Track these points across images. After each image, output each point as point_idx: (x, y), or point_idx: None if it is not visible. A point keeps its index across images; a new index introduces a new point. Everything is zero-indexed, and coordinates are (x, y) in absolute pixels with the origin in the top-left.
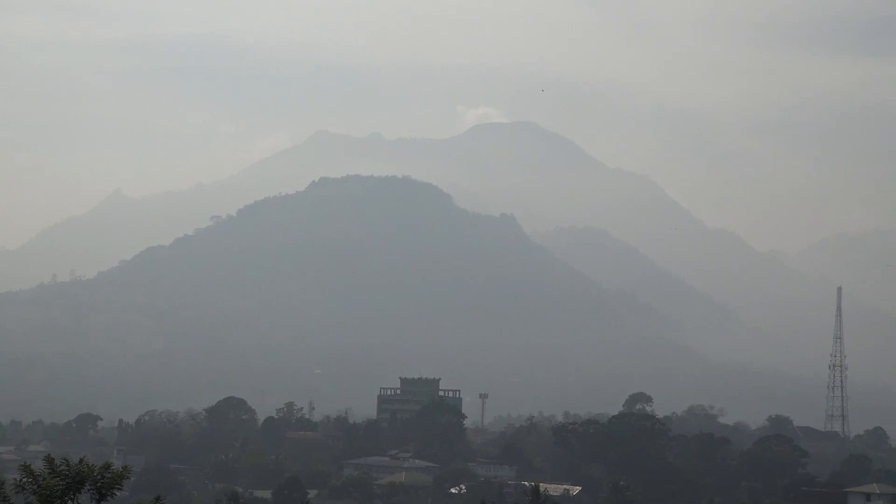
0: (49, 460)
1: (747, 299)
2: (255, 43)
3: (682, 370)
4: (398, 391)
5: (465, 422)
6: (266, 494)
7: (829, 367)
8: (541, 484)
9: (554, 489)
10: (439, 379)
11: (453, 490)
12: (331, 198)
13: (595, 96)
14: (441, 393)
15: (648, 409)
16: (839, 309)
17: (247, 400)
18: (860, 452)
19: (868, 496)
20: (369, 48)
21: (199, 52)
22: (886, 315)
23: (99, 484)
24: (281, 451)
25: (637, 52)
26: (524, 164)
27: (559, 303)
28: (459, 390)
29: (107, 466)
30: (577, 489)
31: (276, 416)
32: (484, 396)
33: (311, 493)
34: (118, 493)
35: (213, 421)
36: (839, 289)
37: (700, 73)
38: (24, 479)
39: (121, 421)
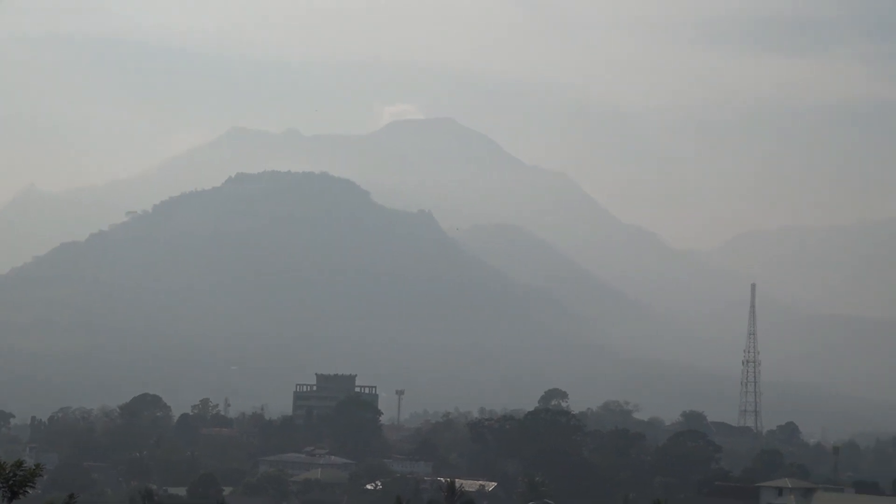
0: None
1: (662, 296)
2: (171, 38)
3: (597, 366)
4: (314, 387)
5: (381, 418)
6: (181, 492)
7: (743, 363)
8: (456, 480)
9: (470, 485)
10: (355, 375)
11: (369, 486)
12: (248, 194)
13: (513, 93)
14: (357, 389)
15: (564, 405)
16: (753, 305)
17: (162, 396)
18: (773, 447)
19: (780, 490)
20: (286, 44)
21: (116, 47)
22: (799, 311)
23: (11, 482)
24: (196, 447)
25: (555, 50)
26: (441, 160)
27: (476, 299)
28: (376, 386)
29: (18, 464)
30: (492, 485)
31: (191, 413)
32: (400, 393)
33: (227, 490)
34: (30, 491)
35: (128, 418)
36: (753, 285)
37: (618, 71)
38: None
39: (33, 418)
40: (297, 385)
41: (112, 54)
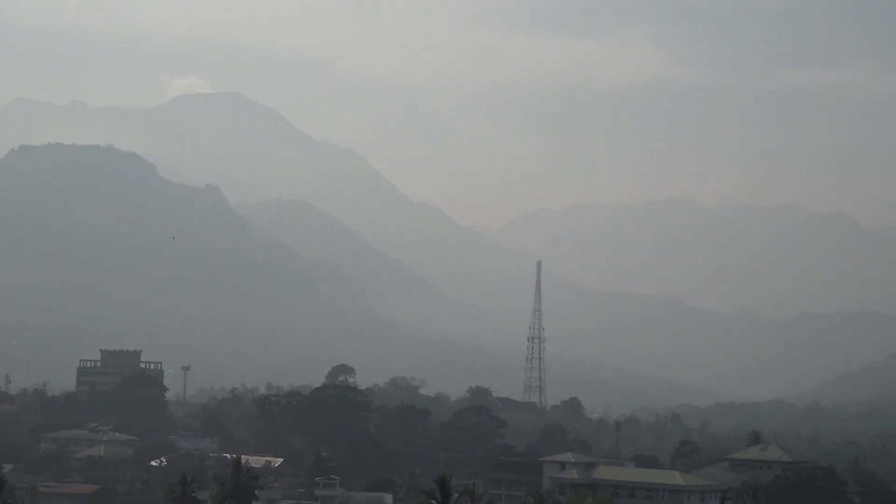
0: None
1: (450, 273)
2: None
3: (385, 342)
4: (98, 363)
5: (166, 394)
6: None
7: (528, 340)
8: (243, 456)
9: (256, 461)
10: (140, 351)
11: (154, 463)
12: (31, 167)
13: (302, 68)
14: (142, 365)
15: (351, 381)
16: (538, 283)
17: None
18: (556, 423)
19: (563, 465)
20: (72, 13)
21: None
22: (583, 288)
23: None
24: None
25: (344, 26)
26: (230, 135)
27: (263, 275)
28: (161, 362)
29: None
30: (279, 461)
31: None
32: (186, 369)
33: (7, 468)
34: None
35: None
36: (539, 263)
37: (408, 48)
38: None
39: None
40: (80, 361)
41: None
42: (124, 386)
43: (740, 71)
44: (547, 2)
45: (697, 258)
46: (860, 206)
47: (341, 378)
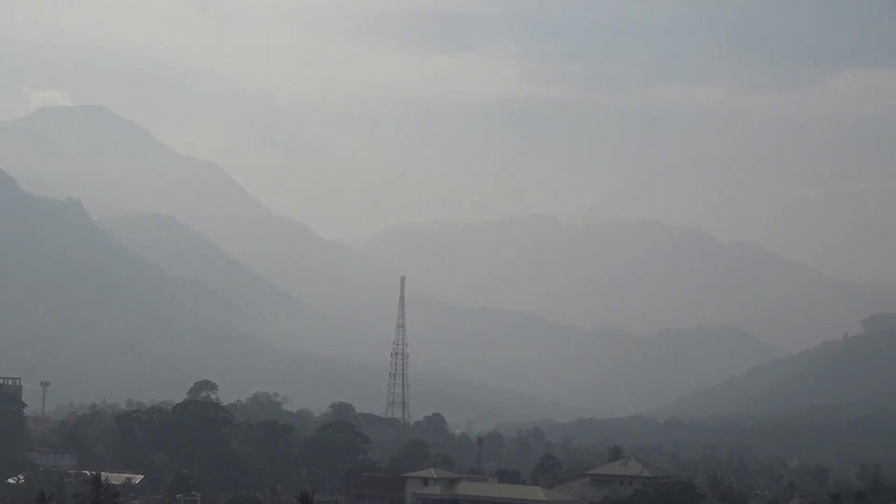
0: None
1: (314, 287)
2: None
3: (248, 358)
4: None
5: (24, 410)
6: None
7: (392, 355)
8: (102, 473)
9: (116, 478)
10: None
11: (11, 480)
12: None
13: (165, 81)
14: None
15: (213, 396)
16: (402, 298)
17: None
18: (419, 438)
19: (425, 481)
20: None
21: None
22: (447, 304)
23: None
24: None
25: (210, 38)
26: (92, 148)
27: (125, 290)
28: (20, 378)
29: None
30: (139, 477)
31: None
32: (45, 384)
33: None
34: None
35: None
36: (402, 278)
37: (273, 61)
38: None
39: None
40: None
41: None
42: None
43: (602, 88)
44: (409, 17)
45: (559, 273)
46: (718, 222)
47: (203, 394)
